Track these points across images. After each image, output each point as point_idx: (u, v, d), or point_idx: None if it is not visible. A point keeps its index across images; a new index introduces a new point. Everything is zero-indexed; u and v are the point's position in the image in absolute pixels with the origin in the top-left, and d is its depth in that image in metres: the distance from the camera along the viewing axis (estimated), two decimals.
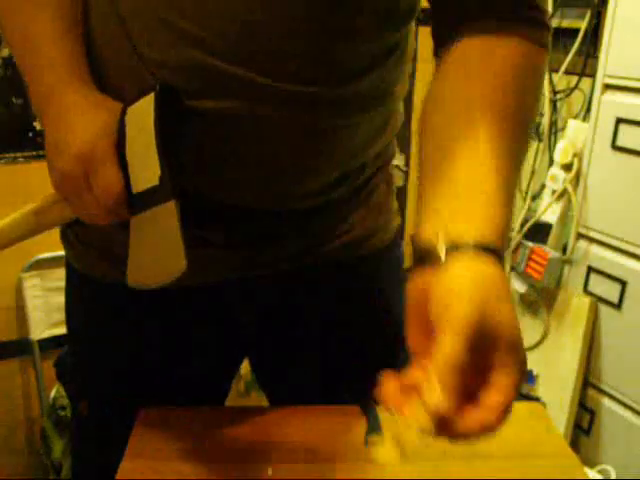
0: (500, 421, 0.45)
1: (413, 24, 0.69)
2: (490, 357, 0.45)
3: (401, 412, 0.44)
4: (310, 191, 0.70)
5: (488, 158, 0.54)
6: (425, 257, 0.50)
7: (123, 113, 0.58)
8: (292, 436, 0.71)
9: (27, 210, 0.65)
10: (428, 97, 0.61)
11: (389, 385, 0.45)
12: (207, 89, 0.60)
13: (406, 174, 2.23)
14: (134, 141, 0.57)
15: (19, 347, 1.79)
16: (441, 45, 0.62)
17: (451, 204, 0.52)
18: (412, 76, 0.75)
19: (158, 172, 0.55)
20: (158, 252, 0.55)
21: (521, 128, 0.57)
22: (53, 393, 1.81)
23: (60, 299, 1.74)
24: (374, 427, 0.71)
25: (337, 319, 0.80)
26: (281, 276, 0.75)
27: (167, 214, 0.55)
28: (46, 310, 1.76)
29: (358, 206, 0.76)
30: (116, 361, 0.78)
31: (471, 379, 0.44)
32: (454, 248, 0.48)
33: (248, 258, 0.73)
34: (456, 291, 0.46)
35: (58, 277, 1.73)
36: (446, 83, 0.60)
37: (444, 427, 0.43)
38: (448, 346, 0.43)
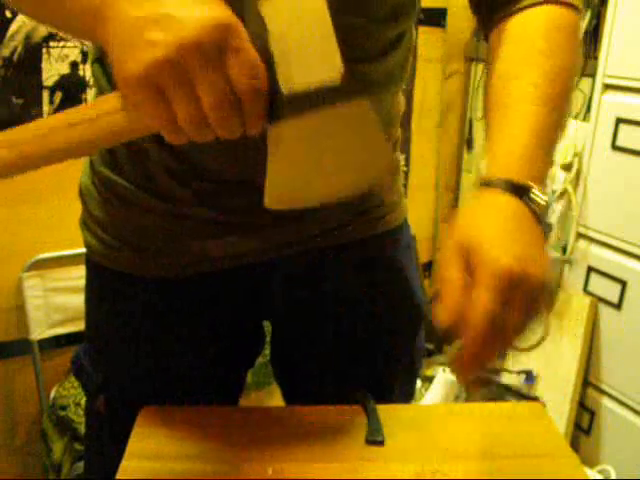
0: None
1: (415, 18, 0.75)
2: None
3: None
4: None
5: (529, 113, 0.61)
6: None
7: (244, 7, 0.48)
8: (292, 436, 0.71)
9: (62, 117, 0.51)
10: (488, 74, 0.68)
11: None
12: None
13: (406, 174, 2.24)
14: (283, 36, 0.48)
15: (19, 347, 1.79)
16: (487, 31, 0.72)
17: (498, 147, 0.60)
18: (412, 75, 0.78)
19: (338, 67, 0.49)
20: (346, 154, 0.50)
21: (562, 85, 0.63)
22: (53, 393, 1.81)
23: (60, 299, 1.76)
24: (374, 427, 0.71)
25: (357, 298, 0.82)
26: (300, 257, 0.77)
27: (361, 111, 0.49)
28: (46, 310, 1.76)
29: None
30: (142, 358, 0.79)
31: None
32: (485, 184, 0.56)
33: (267, 240, 0.74)
34: (481, 226, 0.53)
35: (58, 277, 1.73)
36: (498, 59, 0.67)
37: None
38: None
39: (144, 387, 0.78)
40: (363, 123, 0.50)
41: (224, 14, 0.47)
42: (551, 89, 0.62)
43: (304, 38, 0.48)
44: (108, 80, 0.70)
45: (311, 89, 0.48)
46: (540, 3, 0.67)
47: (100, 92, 0.74)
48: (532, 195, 0.55)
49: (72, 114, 0.51)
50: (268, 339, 0.90)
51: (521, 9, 0.67)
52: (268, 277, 0.79)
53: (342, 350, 0.83)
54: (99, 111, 0.50)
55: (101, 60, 0.72)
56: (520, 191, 0.55)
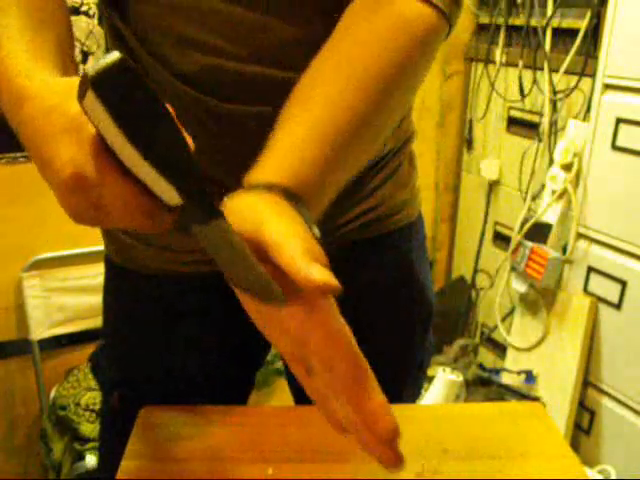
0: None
1: None
2: None
3: None
4: None
5: (317, 107, 0.53)
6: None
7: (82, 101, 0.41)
8: (292, 436, 0.70)
9: None
10: None
11: None
12: (236, 93, 0.62)
13: None
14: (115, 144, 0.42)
15: (19, 347, 1.80)
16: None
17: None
18: None
19: (173, 191, 0.43)
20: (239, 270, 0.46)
21: (377, 85, 0.54)
22: (53, 393, 1.81)
23: (60, 299, 1.76)
24: None
25: (369, 297, 0.81)
26: None
27: (219, 232, 0.45)
28: (46, 310, 1.76)
29: (384, 182, 0.77)
30: (155, 357, 0.79)
31: None
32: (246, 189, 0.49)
33: None
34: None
35: (58, 277, 1.73)
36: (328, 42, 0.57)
37: None
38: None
39: (157, 386, 0.79)
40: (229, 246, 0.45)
41: (74, 152, 0.43)
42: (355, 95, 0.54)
43: None
44: None
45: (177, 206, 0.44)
46: None
47: None
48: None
49: None
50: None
51: None
52: None
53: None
54: None
55: None
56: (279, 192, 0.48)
